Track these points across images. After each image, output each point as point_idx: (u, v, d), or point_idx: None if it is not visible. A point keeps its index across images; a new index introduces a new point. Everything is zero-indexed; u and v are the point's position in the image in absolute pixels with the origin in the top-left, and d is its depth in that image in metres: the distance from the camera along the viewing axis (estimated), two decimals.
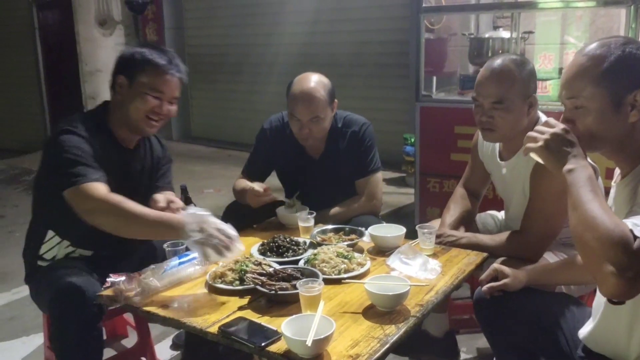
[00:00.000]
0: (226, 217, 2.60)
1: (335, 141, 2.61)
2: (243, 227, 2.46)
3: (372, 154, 2.63)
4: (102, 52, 7.55)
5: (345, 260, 1.94)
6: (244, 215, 2.51)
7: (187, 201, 3.26)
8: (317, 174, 2.63)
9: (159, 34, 7.63)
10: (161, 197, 2.18)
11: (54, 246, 2.13)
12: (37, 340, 2.74)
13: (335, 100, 2.55)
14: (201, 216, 1.83)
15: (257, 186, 2.41)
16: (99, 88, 7.48)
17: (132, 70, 2.09)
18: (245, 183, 2.50)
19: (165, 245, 2.06)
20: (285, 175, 2.76)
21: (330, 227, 2.32)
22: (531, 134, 1.46)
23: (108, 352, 2.44)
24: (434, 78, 4.08)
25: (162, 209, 2.10)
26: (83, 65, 7.62)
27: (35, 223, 2.20)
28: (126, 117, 2.11)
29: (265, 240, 2.18)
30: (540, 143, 1.42)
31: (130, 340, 2.69)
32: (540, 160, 1.45)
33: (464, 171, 2.53)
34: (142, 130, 2.14)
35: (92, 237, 2.02)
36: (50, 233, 2.12)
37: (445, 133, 3.56)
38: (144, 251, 2.29)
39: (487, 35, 3.94)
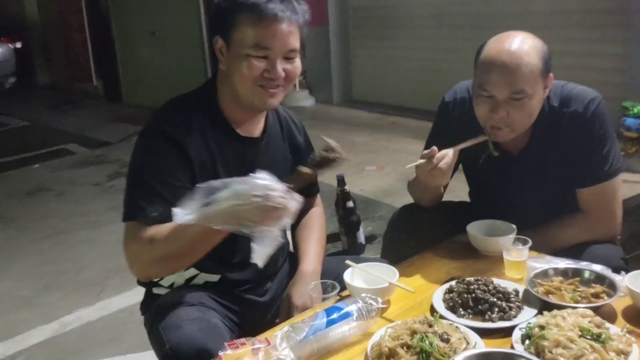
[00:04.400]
0: (393, 228, 1.95)
1: (546, 128, 1.72)
2: (414, 246, 1.81)
3: (607, 148, 1.70)
4: None
5: (596, 346, 1.17)
6: (418, 223, 1.84)
7: (345, 197, 2.69)
8: (516, 177, 1.80)
9: None
10: None
11: None
12: None
13: (551, 75, 1.69)
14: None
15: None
16: None
17: (225, 26, 1.47)
18: None
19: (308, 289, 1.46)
20: (471, 172, 1.98)
21: (553, 264, 1.53)
22: None
23: None
24: None
25: None
26: None
27: None
28: (235, 93, 1.52)
29: (453, 283, 1.48)
30: None
31: None
32: None
33: None
34: (258, 105, 1.52)
35: (217, 256, 1.47)
36: None
37: None
38: (285, 272, 1.75)
39: None
